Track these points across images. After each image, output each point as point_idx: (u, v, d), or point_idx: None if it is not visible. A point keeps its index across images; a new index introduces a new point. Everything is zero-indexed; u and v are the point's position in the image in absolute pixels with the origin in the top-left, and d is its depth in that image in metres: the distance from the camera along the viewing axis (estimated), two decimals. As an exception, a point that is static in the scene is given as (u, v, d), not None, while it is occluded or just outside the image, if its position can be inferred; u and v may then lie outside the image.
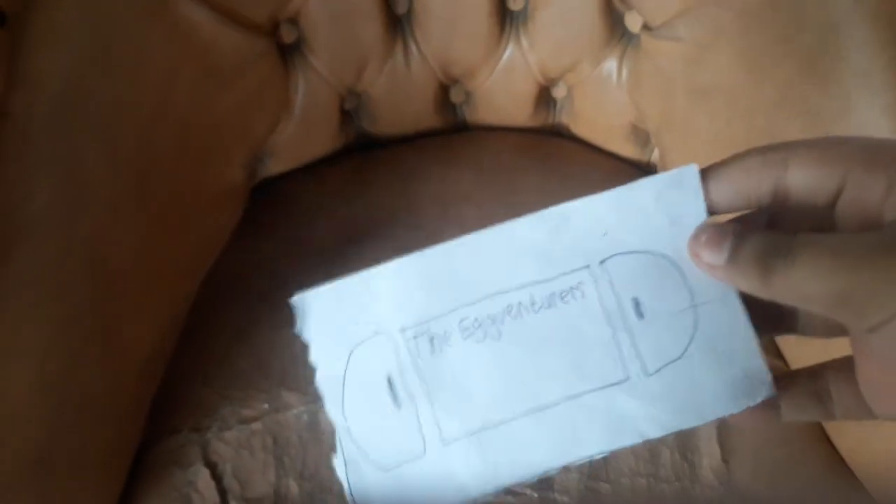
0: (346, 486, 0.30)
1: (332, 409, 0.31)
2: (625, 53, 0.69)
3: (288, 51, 0.66)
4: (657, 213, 0.30)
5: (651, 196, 0.30)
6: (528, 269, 0.30)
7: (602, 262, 0.30)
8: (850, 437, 0.53)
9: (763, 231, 0.27)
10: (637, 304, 0.30)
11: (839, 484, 0.53)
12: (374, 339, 0.31)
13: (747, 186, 0.28)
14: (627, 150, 0.74)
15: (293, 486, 0.51)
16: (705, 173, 0.29)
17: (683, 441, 0.54)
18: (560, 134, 0.79)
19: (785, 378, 0.30)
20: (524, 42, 0.70)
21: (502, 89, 0.74)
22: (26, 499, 0.41)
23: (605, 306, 0.30)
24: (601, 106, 0.73)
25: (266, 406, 0.54)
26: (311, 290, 0.31)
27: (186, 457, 0.52)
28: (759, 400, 0.29)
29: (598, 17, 0.67)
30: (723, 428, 0.54)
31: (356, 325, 0.31)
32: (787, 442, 0.55)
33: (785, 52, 0.51)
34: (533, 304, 0.30)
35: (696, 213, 0.30)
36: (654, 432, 0.30)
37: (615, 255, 0.30)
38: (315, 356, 0.31)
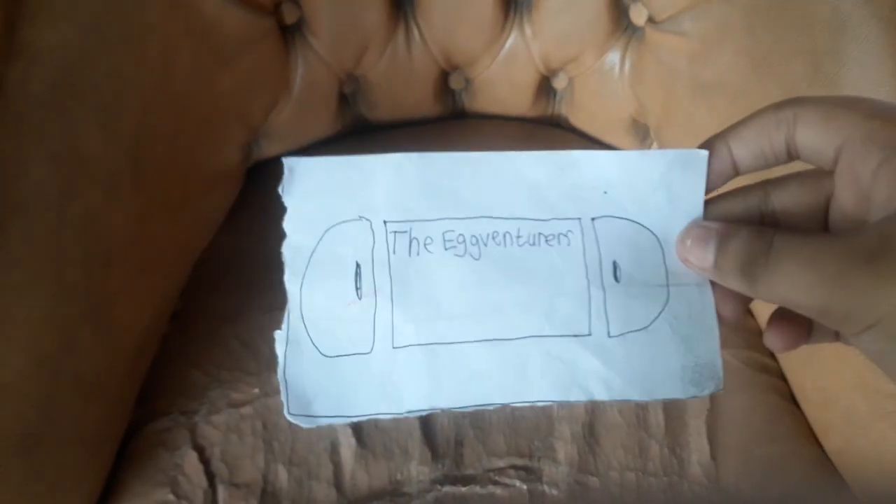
0: (280, 363, 0.29)
1: (290, 282, 0.30)
2: (628, 46, 0.68)
3: (289, 31, 0.65)
4: (659, 188, 0.30)
5: (658, 169, 0.30)
6: (524, 203, 0.30)
7: (594, 219, 0.31)
8: (837, 437, 0.54)
9: (743, 234, 0.27)
10: (616, 267, 0.31)
11: (825, 483, 0.54)
12: (354, 223, 0.30)
13: (762, 145, 0.28)
14: (626, 142, 0.74)
15: (282, 472, 0.51)
16: (725, 134, 0.29)
17: (673, 436, 0.54)
18: (559, 125, 0.79)
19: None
20: (528, 31, 0.70)
21: (503, 78, 0.74)
22: (14, 475, 0.40)
23: (587, 260, 0.30)
24: (602, 98, 0.72)
25: (256, 390, 0.53)
26: (307, 156, 0.30)
27: (174, 440, 0.52)
28: (705, 393, 0.30)
29: (603, 9, 0.66)
30: (712, 424, 0.55)
31: (341, 205, 0.30)
32: (775, 440, 0.55)
33: (791, 51, 0.51)
34: (518, 237, 0.30)
35: (694, 200, 0.30)
36: (602, 395, 0.30)
37: (608, 216, 0.31)
38: (289, 223, 0.30)
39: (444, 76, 0.74)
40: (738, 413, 0.56)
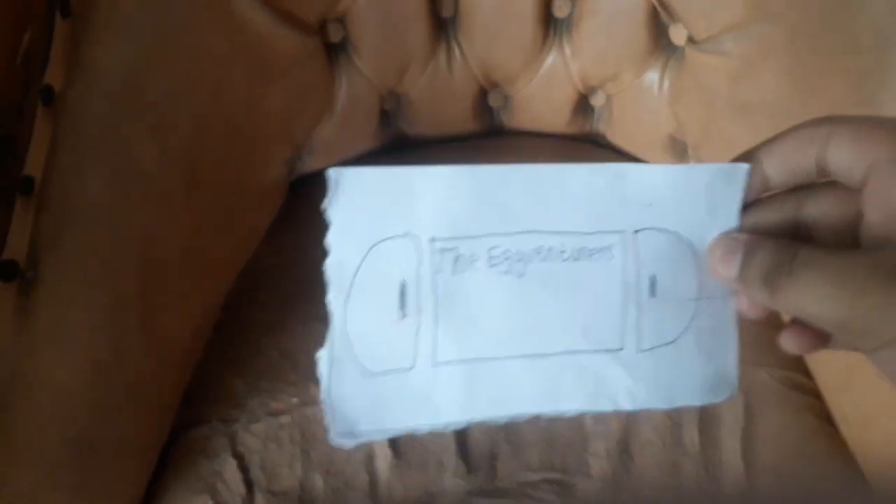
0: (324, 383, 0.29)
1: (335, 300, 0.29)
2: (667, 65, 0.68)
3: (333, 50, 0.66)
4: (701, 200, 0.30)
5: (702, 182, 0.30)
6: (570, 216, 0.30)
7: (636, 231, 0.31)
8: (875, 458, 0.53)
9: (769, 246, 0.27)
10: (653, 283, 0.31)
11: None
12: (400, 240, 0.29)
13: (794, 161, 0.29)
14: (664, 160, 0.74)
15: (318, 481, 0.51)
16: (760, 149, 0.30)
17: (707, 454, 0.54)
18: (596, 142, 0.79)
19: None
20: (567, 50, 0.70)
21: (541, 95, 0.74)
22: (68, 479, 0.41)
23: (626, 276, 0.31)
24: (640, 116, 0.73)
25: (295, 400, 0.54)
26: (352, 167, 0.28)
27: (214, 447, 0.52)
28: (720, 399, 0.31)
29: (642, 29, 0.66)
30: (747, 443, 0.54)
31: (387, 220, 0.29)
32: (811, 459, 0.55)
33: (833, 70, 0.51)
34: (563, 251, 0.30)
35: (731, 213, 0.30)
36: (628, 405, 0.30)
37: (650, 228, 0.31)
38: (333, 238, 0.29)
39: (483, 93, 0.75)
40: (773, 431, 0.56)
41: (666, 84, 0.69)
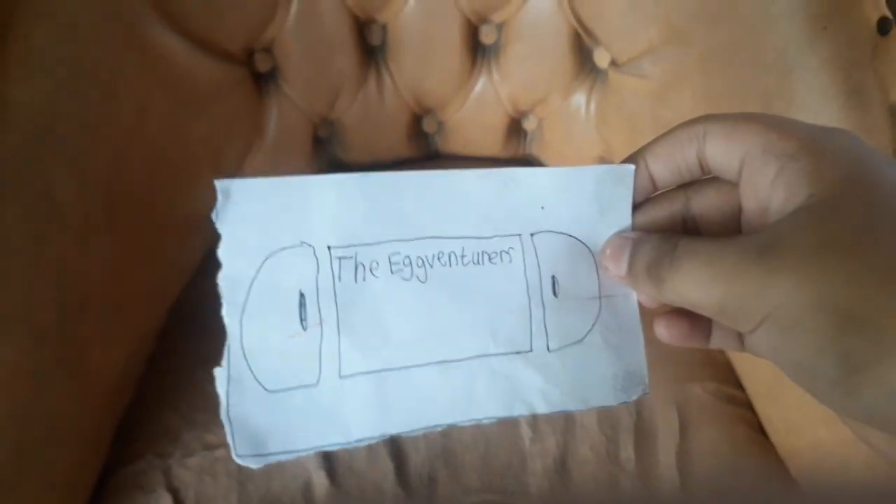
0: (223, 403, 0.27)
1: (229, 316, 0.28)
2: (593, 88, 0.70)
3: (262, 79, 0.67)
4: (591, 201, 0.31)
5: (590, 183, 0.31)
6: (467, 221, 0.30)
7: (533, 234, 0.31)
8: (804, 463, 0.55)
9: (653, 240, 0.29)
10: (554, 283, 0.31)
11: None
12: (296, 250, 0.28)
13: (676, 160, 0.30)
14: (595, 182, 0.75)
15: (256, 513, 0.51)
16: (644, 150, 0.31)
17: (643, 470, 0.55)
18: (530, 164, 0.81)
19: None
20: (495, 75, 0.72)
21: (474, 120, 0.75)
22: (-13, 522, 0.40)
23: (528, 277, 0.31)
24: (570, 138, 0.74)
25: (231, 432, 0.54)
26: (241, 178, 0.28)
27: (149, 482, 0.52)
28: (634, 398, 0.31)
29: (567, 53, 0.68)
30: (682, 457, 0.55)
31: (280, 230, 0.28)
32: (744, 471, 0.56)
33: (744, 93, 0.53)
34: (463, 256, 0.30)
35: (622, 213, 0.31)
36: (543, 408, 0.30)
37: (546, 231, 0.31)
38: (224, 251, 0.28)
39: (416, 119, 0.76)
40: (707, 444, 0.57)
41: (593, 106, 0.71)
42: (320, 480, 0.52)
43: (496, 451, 0.55)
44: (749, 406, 0.61)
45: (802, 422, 0.54)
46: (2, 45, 0.42)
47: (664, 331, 0.31)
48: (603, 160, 0.73)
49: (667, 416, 0.58)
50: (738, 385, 0.63)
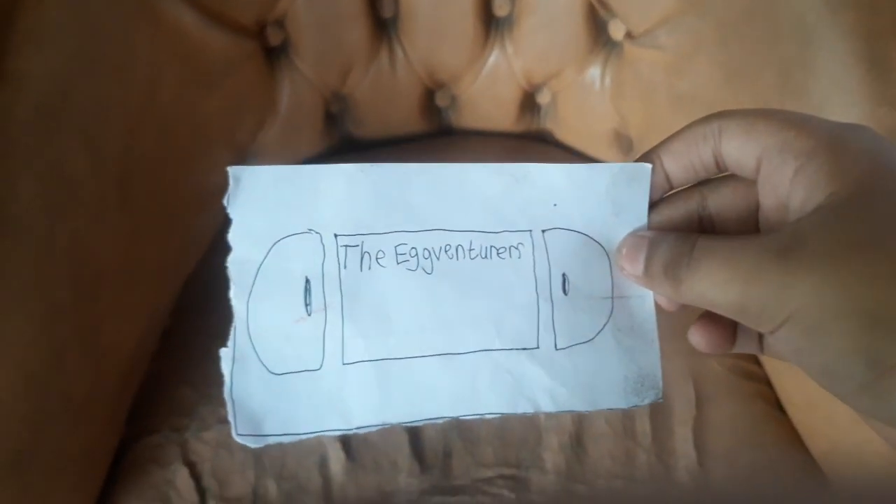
0: (227, 382, 0.28)
1: (237, 298, 0.29)
2: (608, 61, 0.69)
3: (274, 53, 0.66)
4: (605, 200, 0.31)
5: (605, 182, 0.31)
6: (477, 215, 0.30)
7: (544, 231, 0.31)
8: (822, 440, 0.54)
9: (670, 239, 0.28)
10: (565, 280, 0.31)
11: (811, 486, 0.54)
12: (304, 236, 0.29)
13: (691, 158, 0.29)
14: (611, 155, 0.75)
15: (271, 486, 0.51)
16: (659, 148, 0.30)
17: (660, 444, 0.55)
18: (544, 139, 0.80)
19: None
20: (509, 48, 0.71)
21: (487, 94, 0.75)
22: (6, 493, 0.41)
23: (537, 273, 0.31)
24: (585, 112, 0.74)
25: (246, 406, 0.54)
26: (254, 165, 0.29)
27: (166, 456, 0.52)
28: (646, 402, 0.31)
29: (581, 25, 0.67)
30: (699, 432, 0.55)
31: (290, 216, 0.29)
32: (762, 446, 0.56)
33: (762, 63, 0.52)
34: (471, 249, 0.30)
35: (638, 212, 0.31)
36: (548, 406, 0.30)
37: (558, 228, 0.31)
38: (235, 235, 0.28)
39: (429, 93, 0.75)
40: (725, 420, 0.56)
41: (608, 79, 0.70)
42: (336, 454, 0.52)
43: (512, 426, 0.55)
44: (766, 381, 0.61)
45: (819, 397, 0.54)
46: (13, 17, 0.42)
47: (700, 339, 0.30)
48: (618, 134, 0.73)
49: (683, 390, 0.57)
50: (756, 360, 0.62)
